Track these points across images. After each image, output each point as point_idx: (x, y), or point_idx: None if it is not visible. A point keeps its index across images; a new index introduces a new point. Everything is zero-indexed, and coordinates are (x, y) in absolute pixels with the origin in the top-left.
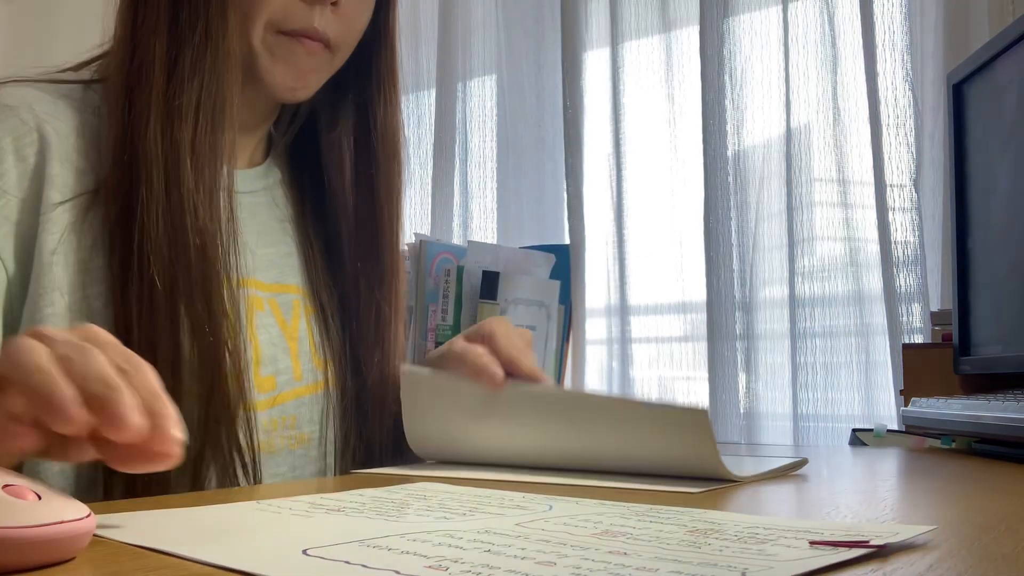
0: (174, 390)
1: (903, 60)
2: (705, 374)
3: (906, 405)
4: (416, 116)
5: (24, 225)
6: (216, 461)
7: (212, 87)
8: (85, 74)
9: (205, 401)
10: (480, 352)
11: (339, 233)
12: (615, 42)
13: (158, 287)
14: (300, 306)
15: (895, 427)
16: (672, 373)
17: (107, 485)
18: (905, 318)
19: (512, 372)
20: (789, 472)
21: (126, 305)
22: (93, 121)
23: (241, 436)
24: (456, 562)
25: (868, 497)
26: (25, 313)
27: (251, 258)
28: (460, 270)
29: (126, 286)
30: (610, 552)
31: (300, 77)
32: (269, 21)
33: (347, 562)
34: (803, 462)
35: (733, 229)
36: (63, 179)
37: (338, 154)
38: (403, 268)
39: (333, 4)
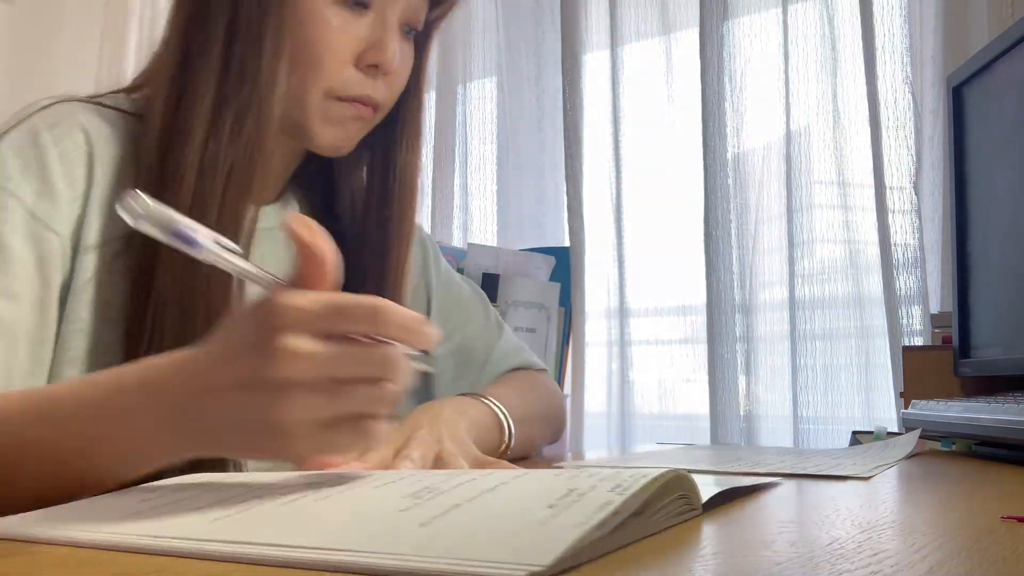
0: None
1: (903, 62)
2: (705, 376)
3: (906, 407)
4: None
5: (64, 268)
6: None
7: (249, 151)
8: (125, 103)
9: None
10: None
11: (351, 265)
12: (615, 44)
13: (166, 343)
14: None
15: (895, 429)
16: (672, 375)
17: None
18: (905, 320)
19: None
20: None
21: (136, 352)
22: (132, 159)
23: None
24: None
25: (868, 499)
26: (55, 354)
27: None
28: (460, 272)
29: (139, 338)
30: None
31: (348, 138)
32: (328, 89)
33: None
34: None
35: (733, 231)
36: (101, 220)
37: (356, 188)
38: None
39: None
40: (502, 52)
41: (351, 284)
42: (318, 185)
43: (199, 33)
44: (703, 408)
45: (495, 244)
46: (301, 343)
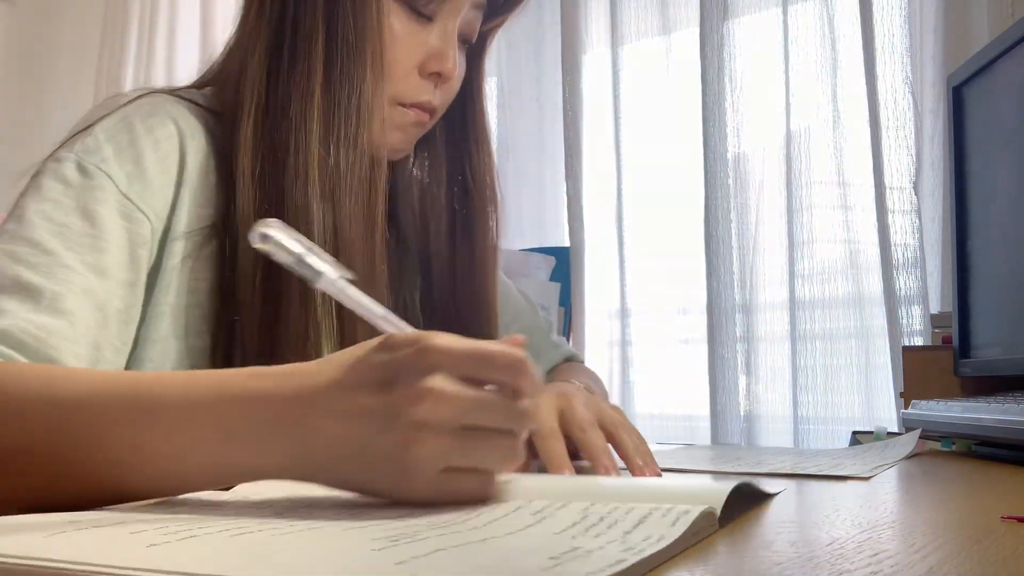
0: None
1: (903, 63)
2: (705, 377)
3: (906, 407)
4: None
5: (152, 252)
6: None
7: (365, 158)
8: (199, 98)
9: None
10: (603, 456)
11: (430, 281)
12: (615, 44)
13: (253, 325)
14: None
15: (895, 429)
16: (672, 376)
17: None
18: (905, 320)
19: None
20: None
21: (225, 355)
22: (215, 152)
23: None
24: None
25: (868, 499)
26: (138, 333)
27: None
28: None
29: (226, 319)
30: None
31: (408, 141)
32: (394, 95)
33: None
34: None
35: (733, 231)
36: (189, 209)
37: (414, 194)
38: (497, 312)
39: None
40: (502, 52)
41: (445, 287)
42: None
43: (291, 47)
44: (703, 408)
45: None
46: (447, 386)
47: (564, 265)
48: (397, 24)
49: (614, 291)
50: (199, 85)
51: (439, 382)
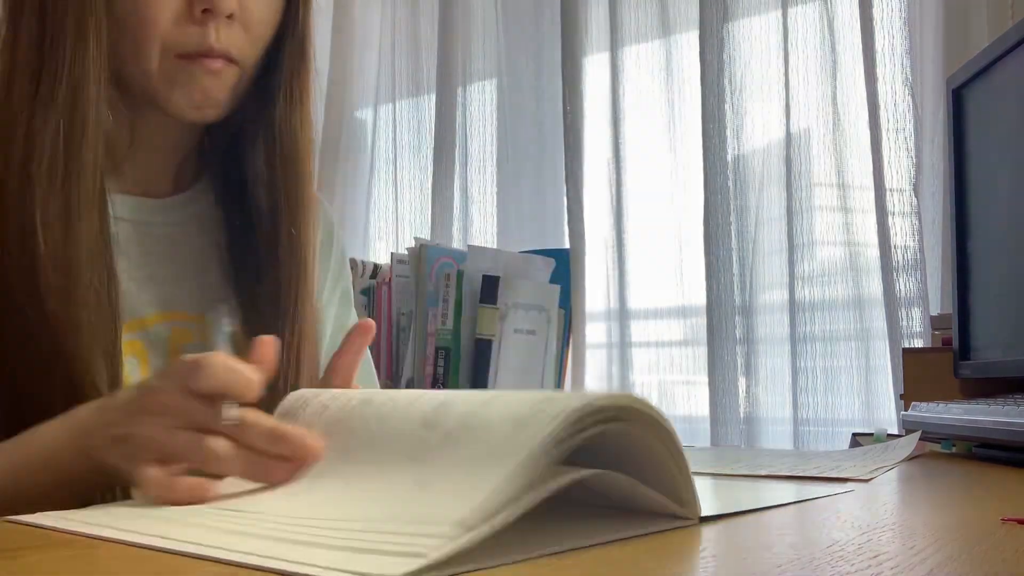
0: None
1: (903, 64)
2: (705, 378)
3: (906, 409)
4: (416, 120)
5: None
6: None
7: (72, 120)
8: None
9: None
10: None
11: (256, 251)
12: (615, 46)
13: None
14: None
15: (895, 431)
16: (672, 377)
17: None
18: (905, 322)
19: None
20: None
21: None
22: None
23: None
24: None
25: (868, 502)
26: None
27: (172, 290)
28: (460, 274)
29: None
30: None
31: (205, 97)
32: (163, 46)
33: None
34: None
35: (733, 233)
36: None
37: (252, 165)
38: (311, 293)
39: (229, 17)
40: (502, 54)
41: (255, 282)
42: (233, 172)
43: (18, 7)
44: (703, 410)
45: (495, 246)
46: (169, 397)
47: (564, 267)
48: None
49: (614, 293)
50: None
51: (162, 396)
